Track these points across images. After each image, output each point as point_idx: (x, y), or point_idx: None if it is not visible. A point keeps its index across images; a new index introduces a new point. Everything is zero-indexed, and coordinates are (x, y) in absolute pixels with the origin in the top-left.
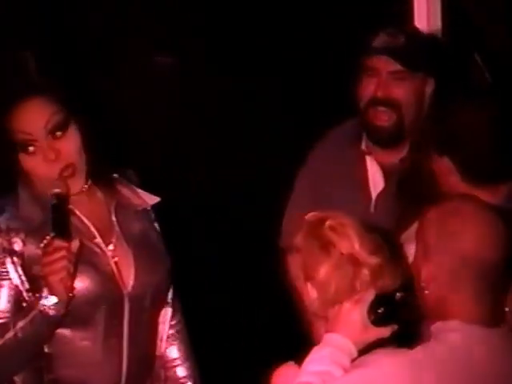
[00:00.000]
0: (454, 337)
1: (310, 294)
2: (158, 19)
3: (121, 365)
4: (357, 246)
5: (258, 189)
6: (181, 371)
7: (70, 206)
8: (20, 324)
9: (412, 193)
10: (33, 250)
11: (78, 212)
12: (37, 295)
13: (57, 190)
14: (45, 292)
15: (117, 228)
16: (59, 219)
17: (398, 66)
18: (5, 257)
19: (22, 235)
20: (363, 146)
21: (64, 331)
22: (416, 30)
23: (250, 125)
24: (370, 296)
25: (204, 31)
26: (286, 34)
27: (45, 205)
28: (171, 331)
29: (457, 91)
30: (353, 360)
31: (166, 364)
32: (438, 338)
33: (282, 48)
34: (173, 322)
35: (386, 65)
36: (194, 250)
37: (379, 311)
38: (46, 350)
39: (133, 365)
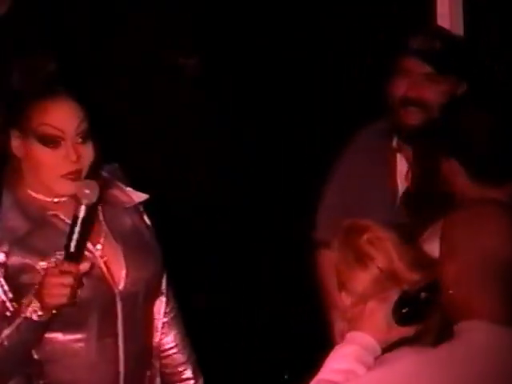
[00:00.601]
0: (478, 336)
1: (344, 301)
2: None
3: (117, 363)
4: (396, 261)
5: (259, 189)
6: (179, 358)
7: (55, 212)
8: (6, 332)
9: (425, 193)
10: (18, 260)
11: (62, 215)
12: (21, 302)
13: (87, 201)
14: (28, 298)
15: (104, 227)
16: (81, 236)
17: (430, 69)
18: None
19: (6, 246)
20: (394, 144)
21: (56, 335)
22: (452, 34)
23: (251, 125)
24: (394, 295)
25: (207, 31)
26: (292, 32)
27: (28, 215)
28: (165, 319)
29: (468, 93)
30: (375, 358)
31: (164, 352)
32: (462, 338)
33: (287, 47)
34: (167, 310)
35: (418, 67)
36: (194, 250)
37: (404, 311)
38: (35, 356)
39: (130, 361)
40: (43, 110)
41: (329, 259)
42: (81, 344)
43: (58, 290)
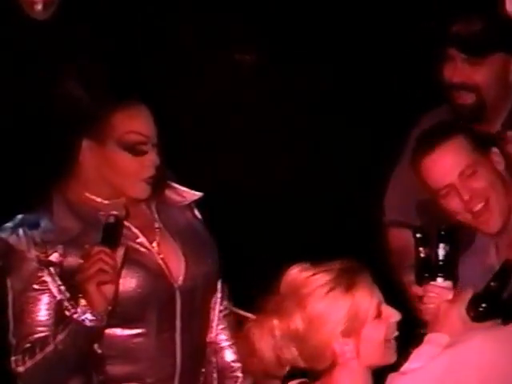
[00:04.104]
0: None
1: None
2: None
3: (175, 356)
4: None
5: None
6: (229, 355)
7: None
8: (59, 337)
9: None
10: (72, 260)
11: None
12: (74, 308)
13: (115, 213)
14: (82, 303)
15: (159, 225)
16: (110, 235)
17: (466, 55)
18: (42, 269)
19: (59, 247)
20: None
21: (116, 331)
22: (500, 13)
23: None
24: (467, 294)
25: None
26: (345, 25)
27: (81, 216)
28: (220, 316)
29: None
30: None
31: (215, 349)
32: None
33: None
34: (221, 307)
35: (458, 53)
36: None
37: (480, 309)
38: (98, 350)
39: (187, 354)
40: (127, 119)
41: (398, 237)
42: (140, 339)
43: (92, 269)
